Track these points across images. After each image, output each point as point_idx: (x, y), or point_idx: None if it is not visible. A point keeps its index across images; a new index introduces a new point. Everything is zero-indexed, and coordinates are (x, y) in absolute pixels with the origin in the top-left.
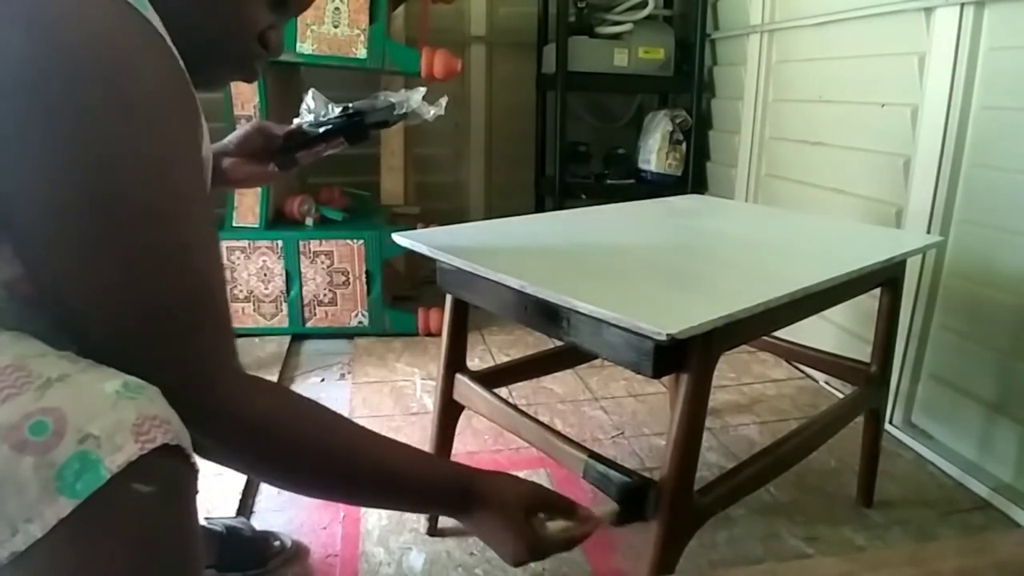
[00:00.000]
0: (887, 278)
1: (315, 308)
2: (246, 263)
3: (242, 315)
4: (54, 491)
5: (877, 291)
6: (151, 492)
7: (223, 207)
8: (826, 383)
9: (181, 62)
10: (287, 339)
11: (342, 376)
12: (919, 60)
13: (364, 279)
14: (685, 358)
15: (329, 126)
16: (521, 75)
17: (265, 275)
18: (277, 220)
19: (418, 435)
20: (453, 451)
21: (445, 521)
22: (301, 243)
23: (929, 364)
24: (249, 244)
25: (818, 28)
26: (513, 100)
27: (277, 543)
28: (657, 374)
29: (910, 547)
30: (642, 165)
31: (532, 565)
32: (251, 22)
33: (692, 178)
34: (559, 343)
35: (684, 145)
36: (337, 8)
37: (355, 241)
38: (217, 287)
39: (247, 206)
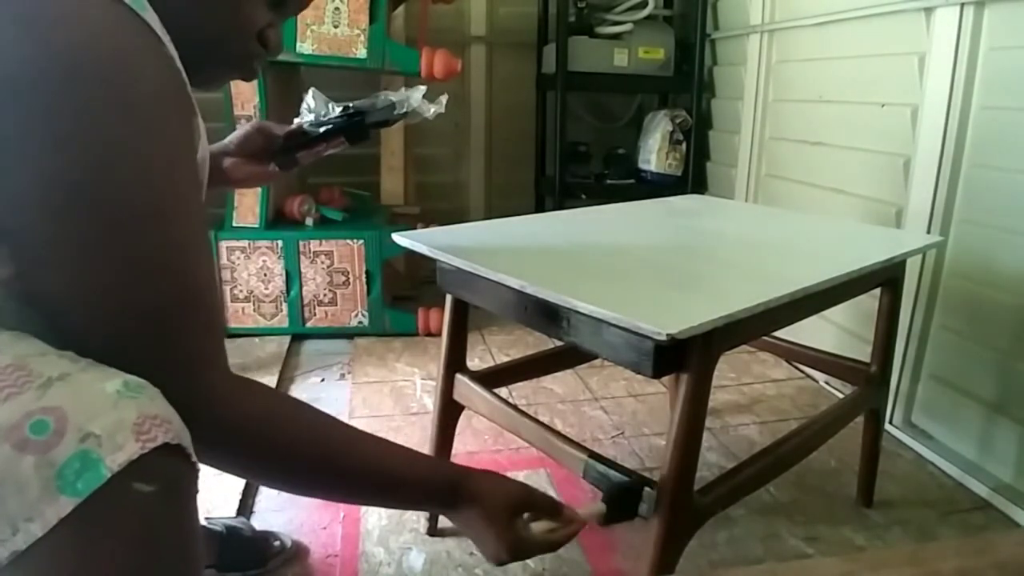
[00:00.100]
0: (887, 278)
1: (315, 308)
2: (246, 263)
3: (242, 315)
4: (55, 490)
5: (877, 291)
6: (152, 491)
7: (223, 207)
8: (826, 383)
9: (179, 63)
10: (287, 339)
11: (342, 376)
12: (919, 60)
13: (364, 279)
14: (685, 358)
15: (329, 126)
16: (521, 75)
17: (265, 275)
18: (277, 220)
19: (418, 435)
20: (453, 451)
21: (445, 521)
22: (301, 243)
23: (929, 364)
24: (249, 244)
25: (818, 28)
26: (513, 100)
27: (277, 543)
28: (657, 374)
29: (910, 547)
30: (642, 165)
31: (532, 565)
32: (250, 21)
33: (692, 178)
34: (559, 343)
35: (684, 145)
36: (337, 8)
37: (355, 241)
38: (209, 289)
39: (247, 206)
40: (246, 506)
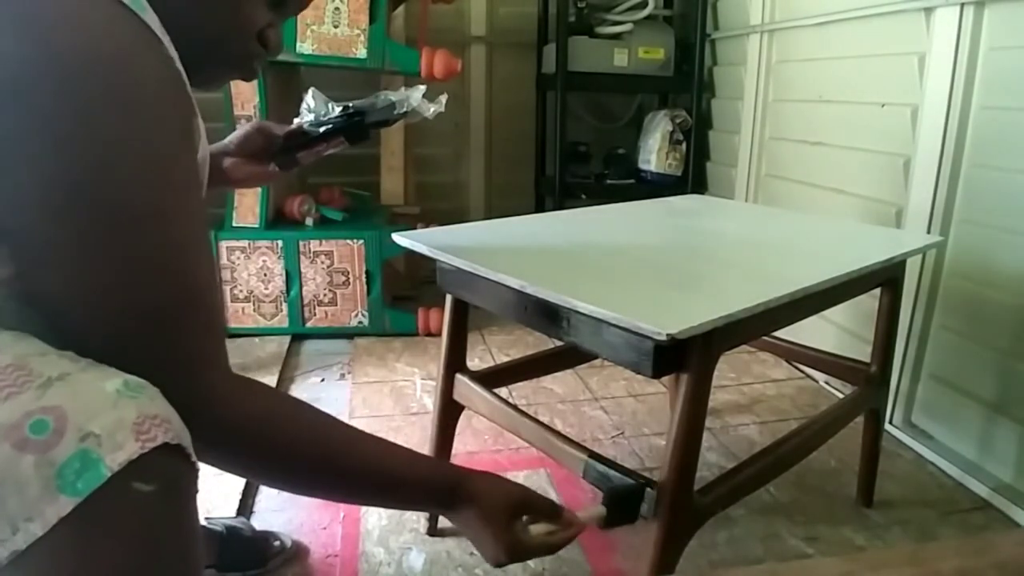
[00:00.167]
0: (887, 278)
1: (315, 308)
2: (246, 263)
3: (242, 315)
4: (55, 489)
5: (877, 291)
6: (151, 491)
7: (223, 207)
8: (826, 383)
9: (179, 63)
10: (287, 339)
11: (342, 376)
12: (919, 60)
13: (364, 279)
14: (685, 358)
15: (329, 126)
16: (521, 75)
17: (265, 275)
18: (277, 220)
19: (418, 435)
20: (453, 451)
21: (445, 521)
22: (301, 243)
23: (929, 364)
24: (249, 244)
25: (818, 28)
26: (513, 100)
27: (277, 543)
28: (657, 374)
29: (910, 547)
30: (642, 165)
31: (532, 565)
32: (250, 21)
33: (692, 178)
34: (559, 343)
35: (684, 145)
36: (337, 8)
37: (355, 241)
38: (209, 289)
39: (247, 206)
40: (246, 506)
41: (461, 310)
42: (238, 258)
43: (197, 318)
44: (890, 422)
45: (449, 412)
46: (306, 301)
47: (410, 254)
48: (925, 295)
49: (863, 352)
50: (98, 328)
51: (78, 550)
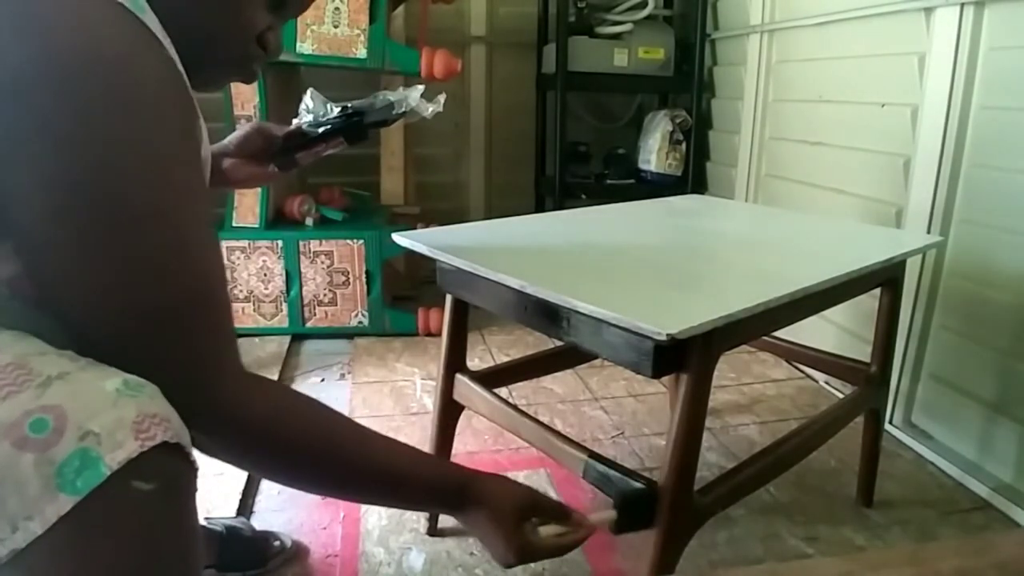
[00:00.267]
0: (887, 278)
1: (315, 308)
2: (246, 263)
3: (242, 315)
4: (54, 488)
5: (877, 291)
6: (151, 490)
7: (223, 207)
8: (826, 383)
9: (179, 64)
10: (287, 339)
11: (342, 376)
12: (919, 60)
13: (364, 279)
14: (685, 358)
15: (328, 126)
16: (521, 75)
17: (265, 275)
18: (277, 220)
19: (418, 435)
20: (453, 451)
21: (445, 521)
22: (301, 243)
23: (929, 364)
24: (249, 244)
25: (818, 28)
26: (513, 100)
27: (277, 543)
28: (657, 374)
29: (910, 547)
30: (642, 165)
31: (532, 565)
32: (250, 24)
33: (692, 178)
34: (559, 343)
35: (684, 145)
36: (337, 8)
37: (355, 241)
38: (217, 287)
39: (247, 206)
40: (246, 506)
41: (461, 310)
42: (238, 258)
43: (200, 318)
44: (890, 422)
45: (449, 412)
46: (306, 301)
47: (410, 254)
48: (925, 295)
49: (863, 352)
50: (99, 328)
51: (78, 548)
